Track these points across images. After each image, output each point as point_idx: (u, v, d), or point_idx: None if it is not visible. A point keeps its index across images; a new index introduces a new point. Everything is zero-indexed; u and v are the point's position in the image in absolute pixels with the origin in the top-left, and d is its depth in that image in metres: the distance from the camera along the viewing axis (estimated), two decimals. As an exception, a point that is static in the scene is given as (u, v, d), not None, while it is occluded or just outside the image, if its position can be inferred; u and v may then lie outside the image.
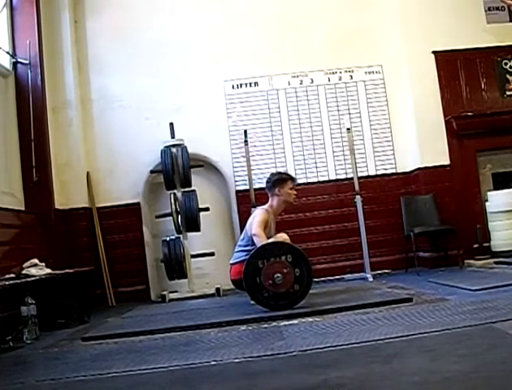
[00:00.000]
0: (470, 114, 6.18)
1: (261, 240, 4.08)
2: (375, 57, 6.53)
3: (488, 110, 6.20)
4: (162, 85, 6.39)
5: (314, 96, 6.50)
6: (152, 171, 6.20)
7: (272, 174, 4.74)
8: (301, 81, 6.51)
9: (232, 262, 4.55)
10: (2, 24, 5.66)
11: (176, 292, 5.95)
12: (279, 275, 3.81)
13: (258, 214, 4.37)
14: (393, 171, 6.47)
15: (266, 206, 4.50)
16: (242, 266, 4.00)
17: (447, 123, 6.21)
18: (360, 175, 6.19)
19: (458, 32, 6.22)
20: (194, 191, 5.90)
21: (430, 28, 6.22)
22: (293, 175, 6.12)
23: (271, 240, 4.13)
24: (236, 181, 6.35)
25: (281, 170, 6.11)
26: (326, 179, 6.42)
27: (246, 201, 6.04)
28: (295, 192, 4.56)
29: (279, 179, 4.50)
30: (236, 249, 4.60)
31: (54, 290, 4.65)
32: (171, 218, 5.83)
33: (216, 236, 6.43)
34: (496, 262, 5.56)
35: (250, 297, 3.96)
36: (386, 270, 6.05)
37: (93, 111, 6.39)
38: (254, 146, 6.36)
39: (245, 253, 4.28)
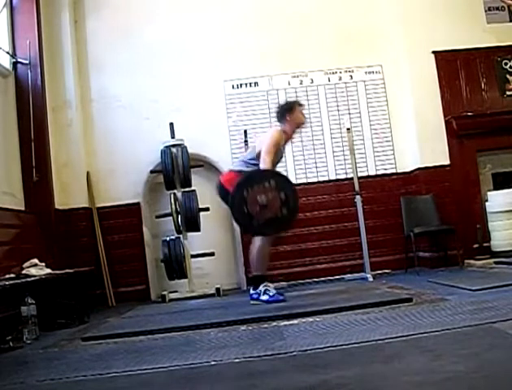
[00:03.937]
0: (470, 114, 6.18)
1: (266, 167, 4.10)
2: (375, 57, 6.53)
3: (488, 110, 6.20)
4: (162, 85, 6.39)
5: (314, 96, 6.50)
6: (152, 171, 6.21)
7: (279, 105, 4.88)
8: (301, 81, 6.51)
9: (231, 168, 4.62)
10: (2, 24, 5.65)
11: (176, 292, 5.95)
12: (262, 195, 3.82)
13: (272, 134, 4.39)
14: (393, 171, 6.47)
15: (281, 127, 4.54)
16: (238, 176, 4.12)
17: (447, 123, 6.21)
18: (360, 175, 6.18)
19: (458, 32, 6.22)
20: (194, 191, 5.90)
21: (430, 28, 6.21)
22: (294, 175, 6.21)
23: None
24: (236, 181, 6.34)
25: (281, 169, 6.09)
26: (326, 179, 6.41)
27: (246, 201, 6.03)
28: (303, 114, 4.65)
29: (288, 108, 4.59)
30: (239, 159, 4.64)
31: (54, 290, 4.65)
32: (171, 218, 5.83)
33: (216, 236, 6.42)
34: (496, 262, 5.55)
35: (241, 229, 3.94)
36: (386, 270, 6.05)
37: (93, 111, 6.39)
38: (254, 146, 6.36)
39: (246, 165, 4.35)
